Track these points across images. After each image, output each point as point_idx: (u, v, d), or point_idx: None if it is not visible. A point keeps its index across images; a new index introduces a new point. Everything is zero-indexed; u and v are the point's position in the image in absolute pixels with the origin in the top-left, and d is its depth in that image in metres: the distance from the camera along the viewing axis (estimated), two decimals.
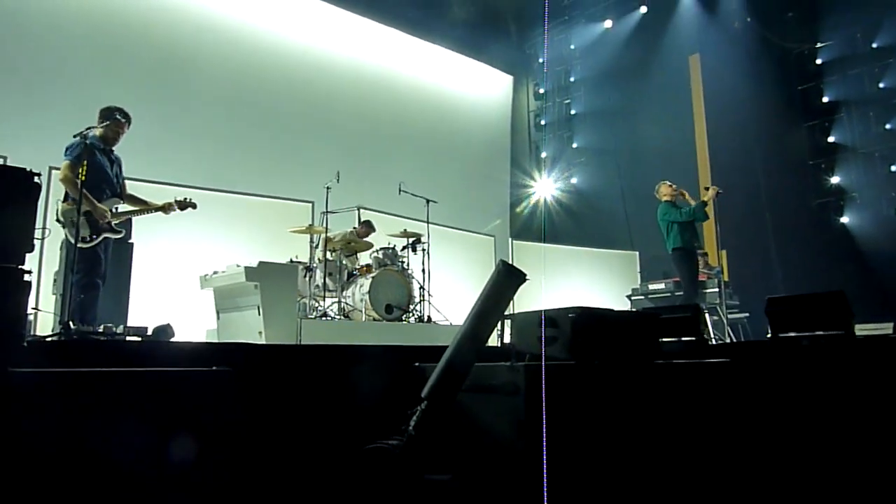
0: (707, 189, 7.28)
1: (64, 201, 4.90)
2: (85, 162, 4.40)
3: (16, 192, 1.99)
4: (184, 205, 5.56)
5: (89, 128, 4.62)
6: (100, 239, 4.96)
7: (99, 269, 4.93)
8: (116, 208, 5.24)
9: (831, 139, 11.31)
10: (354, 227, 7.90)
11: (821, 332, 3.56)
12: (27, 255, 2.02)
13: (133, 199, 5.40)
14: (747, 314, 8.95)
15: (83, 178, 4.37)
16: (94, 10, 8.49)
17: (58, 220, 4.85)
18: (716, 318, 7.95)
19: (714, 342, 6.46)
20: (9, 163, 6.47)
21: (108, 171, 5.17)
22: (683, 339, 4.08)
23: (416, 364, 3.25)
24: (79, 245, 4.68)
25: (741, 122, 11.41)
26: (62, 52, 8.14)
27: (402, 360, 3.29)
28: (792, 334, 3.71)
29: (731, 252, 11.16)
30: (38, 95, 7.77)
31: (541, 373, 2.89)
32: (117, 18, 8.66)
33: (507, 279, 2.58)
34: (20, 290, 1.96)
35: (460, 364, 2.63)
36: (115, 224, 5.12)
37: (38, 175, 2.03)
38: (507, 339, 3.45)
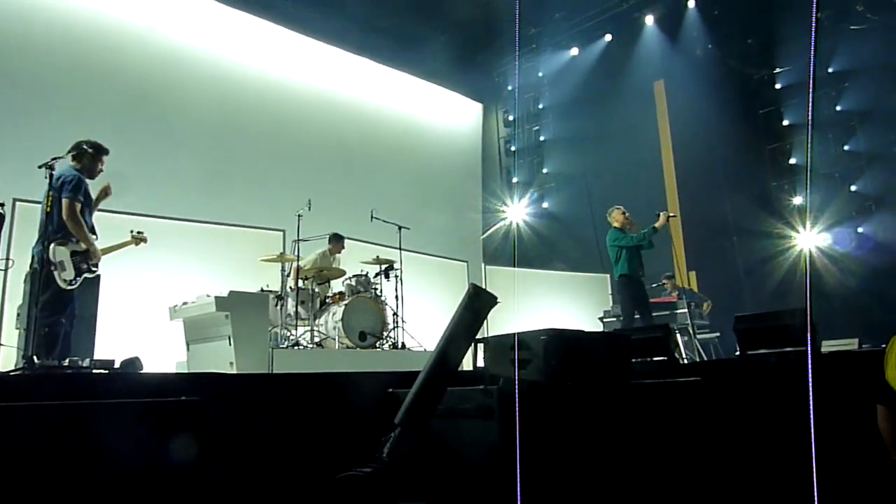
0: (658, 215, 7.31)
1: (59, 242, 4.74)
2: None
3: None
4: (139, 240, 5.59)
5: (54, 158, 4.54)
6: (80, 280, 4.86)
7: (72, 308, 4.81)
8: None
9: (793, 161, 11.64)
10: (328, 247, 7.86)
11: (788, 349, 3.64)
12: None
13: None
14: (717, 334, 9.08)
15: (47, 209, 4.29)
16: (62, 42, 8.42)
17: (44, 260, 4.65)
18: (686, 338, 8.04)
19: (685, 361, 6.54)
20: None
21: (90, 210, 5.09)
22: (654, 359, 4.13)
23: (390, 390, 3.25)
24: (64, 287, 4.63)
25: (706, 145, 11.70)
26: (31, 83, 8.05)
27: (376, 387, 3.28)
28: (760, 351, 3.78)
29: (699, 273, 11.36)
30: (4, 127, 7.66)
31: (514, 396, 2.90)
32: (88, 51, 8.58)
33: (479, 302, 2.60)
34: None
35: (432, 389, 2.63)
36: (93, 263, 5.01)
37: (2, 205, 2.00)
38: (480, 363, 3.46)
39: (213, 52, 9.94)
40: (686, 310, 8.09)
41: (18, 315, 6.01)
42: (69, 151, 4.96)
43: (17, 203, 6.70)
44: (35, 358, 3.99)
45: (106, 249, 5.22)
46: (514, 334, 3.28)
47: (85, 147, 5.04)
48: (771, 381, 3.48)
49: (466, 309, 2.63)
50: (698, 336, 8.34)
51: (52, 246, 4.68)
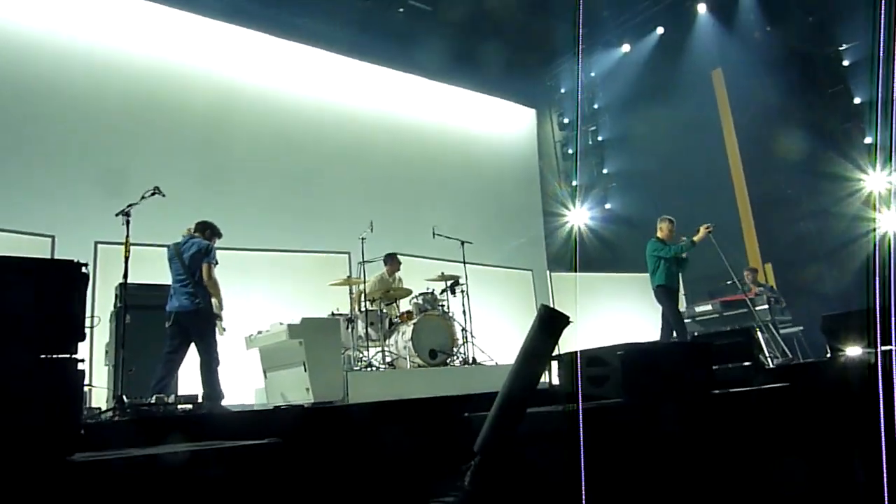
0: (699, 229, 7.28)
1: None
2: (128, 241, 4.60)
3: (65, 285, 2.06)
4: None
5: (130, 205, 4.78)
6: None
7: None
8: None
9: (868, 140, 11.05)
10: (385, 269, 7.92)
11: (888, 347, 3.43)
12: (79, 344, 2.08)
13: None
14: (801, 327, 8.69)
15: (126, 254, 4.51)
16: (132, 88, 8.87)
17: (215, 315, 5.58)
18: (768, 335, 7.71)
19: (770, 363, 6.27)
20: (57, 241, 6.85)
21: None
22: (739, 364, 3.97)
23: (466, 415, 3.22)
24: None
25: (772, 131, 11.23)
26: (104, 132, 8.50)
27: (451, 412, 3.25)
28: (852, 351, 3.58)
29: (776, 265, 10.90)
30: (83, 173, 8.09)
31: (592, 416, 2.83)
32: (157, 97, 9.04)
33: (550, 324, 2.55)
34: (75, 380, 2.00)
35: (510, 415, 2.59)
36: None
37: (85, 265, 2.09)
38: (555, 381, 3.40)
39: (270, 85, 10.25)
40: (766, 305, 7.77)
41: (107, 352, 6.31)
42: (196, 230, 5.85)
43: (99, 246, 7.05)
44: (124, 398, 4.15)
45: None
46: (589, 350, 3.21)
47: (208, 227, 5.91)
48: (867, 383, 3.28)
49: (539, 332, 2.58)
50: (781, 331, 8.00)
51: (213, 300, 5.56)
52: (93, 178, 8.05)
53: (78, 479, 1.91)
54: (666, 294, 7.29)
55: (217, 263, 5.65)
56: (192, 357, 5.80)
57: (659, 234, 7.47)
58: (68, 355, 2.01)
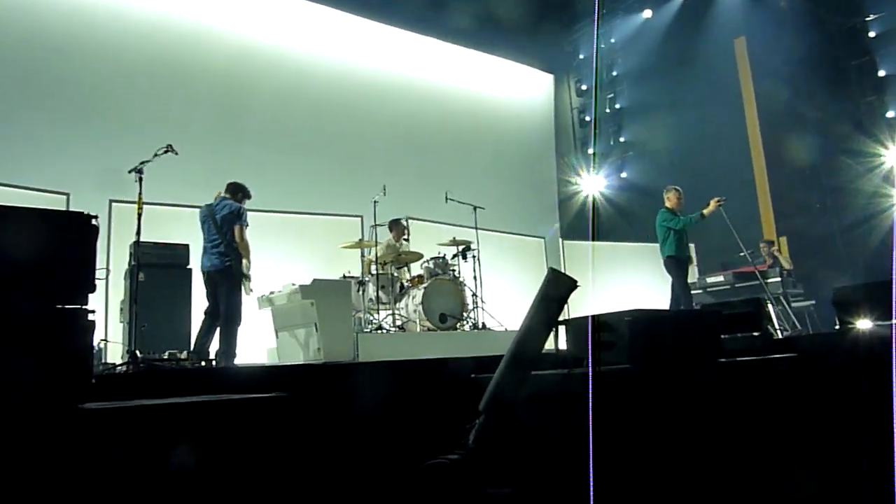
0: (709, 202, 7.26)
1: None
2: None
3: (76, 237, 2.08)
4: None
5: (143, 162, 4.80)
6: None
7: None
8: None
9: (890, 114, 10.83)
10: (391, 235, 7.91)
11: (893, 322, 3.40)
12: (90, 295, 2.10)
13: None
14: (812, 302, 8.63)
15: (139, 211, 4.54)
16: (149, 49, 8.82)
17: (243, 275, 5.71)
18: (780, 307, 7.68)
19: (780, 335, 6.25)
20: (72, 199, 6.90)
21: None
22: (747, 334, 3.95)
23: (472, 375, 3.24)
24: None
25: (793, 103, 11.02)
26: (121, 89, 8.49)
27: (459, 373, 3.28)
28: (861, 324, 3.55)
29: (791, 238, 10.80)
30: (99, 132, 8.10)
31: (599, 380, 2.84)
32: (173, 56, 8.98)
33: (557, 287, 2.55)
34: (85, 330, 2.03)
35: (515, 375, 2.60)
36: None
37: (96, 217, 2.11)
38: (562, 346, 3.41)
39: (283, 44, 10.15)
40: (779, 278, 7.72)
41: (122, 310, 6.40)
42: (228, 191, 5.99)
43: (113, 205, 7.10)
44: (137, 353, 4.22)
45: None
46: (597, 316, 3.21)
47: (239, 189, 6.03)
48: (875, 357, 3.26)
49: (546, 294, 2.58)
50: (793, 305, 7.96)
51: (243, 261, 5.71)
52: (109, 136, 8.07)
53: (88, 427, 1.95)
54: (675, 265, 7.28)
55: (248, 225, 5.81)
56: (201, 315, 5.89)
57: (667, 204, 7.45)
58: (79, 306, 2.04)
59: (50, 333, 2.00)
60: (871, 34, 11.00)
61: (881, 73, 10.88)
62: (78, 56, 8.28)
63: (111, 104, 8.38)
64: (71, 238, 2.06)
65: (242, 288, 5.67)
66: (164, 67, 8.90)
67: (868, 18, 10.99)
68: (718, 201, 7.14)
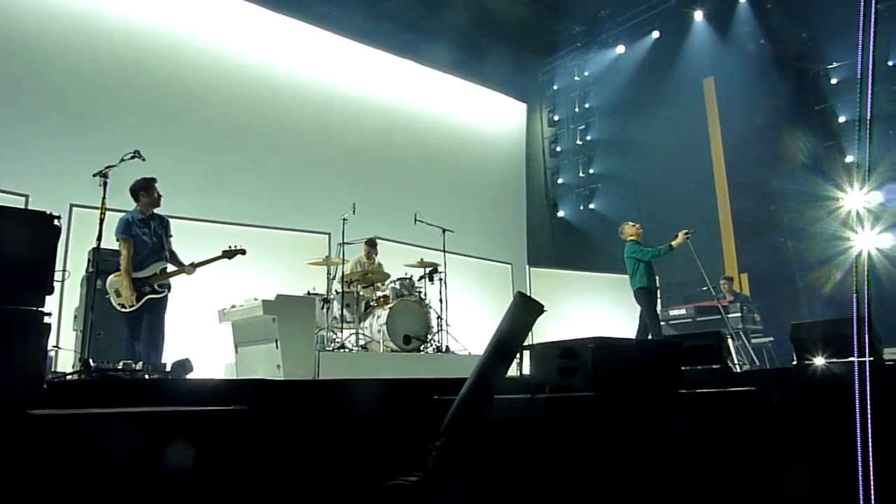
0: (677, 234, 7.40)
1: (115, 273, 5.36)
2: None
3: (36, 236, 2.03)
4: (232, 253, 5.83)
5: (108, 167, 4.73)
6: (142, 302, 5.31)
7: (137, 327, 5.30)
8: (163, 270, 5.52)
9: (849, 159, 11.21)
10: (364, 251, 7.90)
11: (849, 359, 3.49)
12: (47, 297, 2.05)
13: (175, 259, 5.69)
14: (771, 339, 8.81)
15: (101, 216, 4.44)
16: (114, 51, 8.70)
17: (105, 291, 5.30)
18: (739, 342, 7.83)
19: (738, 369, 6.36)
20: (31, 201, 6.73)
21: (148, 240, 5.53)
22: (706, 367, 4.02)
23: (435, 397, 3.23)
24: (122, 311, 5.24)
25: (758, 143, 11.35)
26: (84, 92, 8.35)
27: (421, 394, 3.26)
28: (818, 361, 3.64)
29: (751, 275, 11.04)
30: (60, 134, 7.94)
31: (561, 405, 2.86)
32: (136, 60, 8.87)
33: (525, 311, 2.56)
34: (40, 333, 1.97)
35: (478, 398, 2.60)
36: (158, 285, 5.44)
37: (58, 218, 2.06)
38: (525, 370, 3.42)
39: (255, 56, 10.12)
40: (739, 314, 7.88)
41: (76, 317, 6.24)
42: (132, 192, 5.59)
43: (74, 209, 6.95)
44: (90, 361, 4.11)
45: (167, 274, 5.58)
46: (560, 342, 3.24)
47: (143, 184, 5.58)
48: (830, 393, 3.35)
49: (513, 317, 2.59)
50: (752, 341, 8.12)
51: (109, 278, 5.33)
52: (71, 138, 7.92)
53: (37, 433, 1.89)
54: (645, 296, 7.40)
55: (127, 238, 5.40)
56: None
57: (630, 238, 7.63)
58: (34, 307, 1.98)
59: (2, 334, 1.93)
60: (833, 81, 11.42)
61: (841, 119, 11.28)
62: (43, 55, 8.13)
63: (76, 105, 8.24)
64: (31, 237, 2.01)
65: (113, 304, 5.29)
66: (132, 71, 8.78)
67: (830, 66, 11.42)
68: (687, 233, 7.29)
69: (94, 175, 4.72)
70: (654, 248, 7.45)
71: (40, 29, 8.15)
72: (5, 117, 7.70)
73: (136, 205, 5.57)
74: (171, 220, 5.92)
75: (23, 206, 6.70)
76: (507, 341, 2.56)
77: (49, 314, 2.01)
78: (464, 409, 2.64)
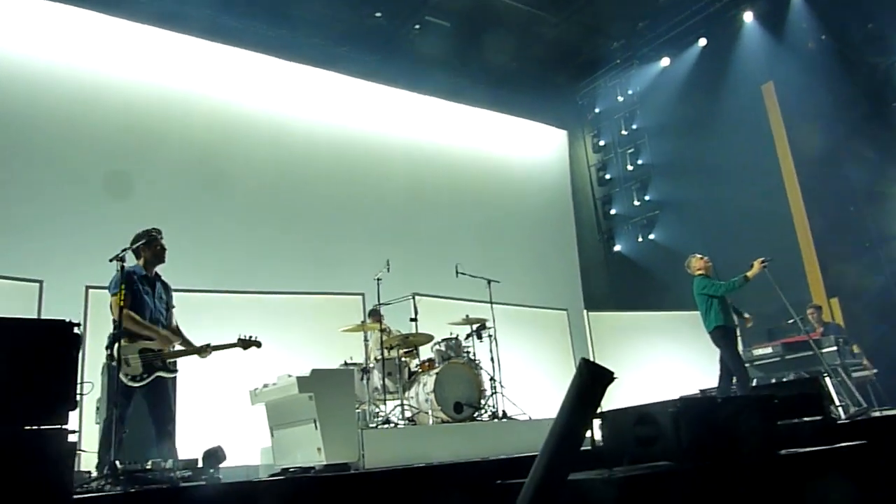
0: (752, 264, 7.22)
1: (127, 339, 4.99)
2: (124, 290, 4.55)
3: (55, 348, 2.07)
4: (247, 344, 5.64)
5: (124, 250, 4.84)
6: (152, 377, 5.08)
7: (156, 409, 5.13)
8: (173, 346, 5.33)
9: None
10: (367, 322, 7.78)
11: None
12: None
13: (178, 333, 5.49)
14: (875, 370, 8.49)
15: (121, 303, 4.52)
16: (127, 122, 9.06)
17: (111, 358, 4.95)
18: (838, 379, 7.55)
19: (842, 414, 6.11)
20: (45, 286, 6.93)
21: (150, 303, 5.31)
22: (806, 419, 3.87)
23: (498, 482, 3.17)
24: (129, 384, 4.91)
25: (832, 150, 11.14)
26: (95, 168, 8.67)
27: (482, 478, 3.20)
28: None
29: (843, 299, 10.70)
30: (73, 214, 8.24)
31: (641, 484, 2.77)
32: (152, 128, 9.23)
33: (592, 382, 2.51)
34: (65, 454, 2.00)
35: (552, 483, 2.53)
36: (171, 362, 5.23)
37: (78, 325, 2.10)
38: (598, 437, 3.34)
39: (277, 111, 10.41)
40: (835, 347, 7.61)
41: (98, 409, 6.32)
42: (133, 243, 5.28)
43: (90, 291, 7.13)
44: (117, 463, 4.14)
45: (176, 353, 5.38)
46: (636, 408, 3.16)
47: (135, 243, 5.32)
48: None
49: (579, 390, 2.54)
50: (853, 375, 7.82)
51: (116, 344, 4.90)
52: (84, 216, 8.20)
53: None
54: (723, 336, 7.21)
55: (125, 292, 4.92)
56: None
57: (698, 272, 7.49)
58: (58, 426, 2.01)
59: (23, 458, 1.96)
60: None
61: None
62: (49, 132, 8.50)
63: (88, 180, 8.55)
64: (49, 349, 2.05)
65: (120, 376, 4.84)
66: (142, 140, 9.11)
67: None
68: (763, 262, 7.12)
69: (111, 260, 4.82)
70: (726, 281, 7.28)
71: (44, 106, 8.54)
72: (15, 200, 8.02)
73: (126, 250, 5.09)
74: (187, 294, 5.93)
75: (37, 293, 6.92)
76: (576, 419, 2.50)
77: (74, 431, 2.03)
78: (537, 495, 2.57)
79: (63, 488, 1.98)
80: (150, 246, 5.36)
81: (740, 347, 9.06)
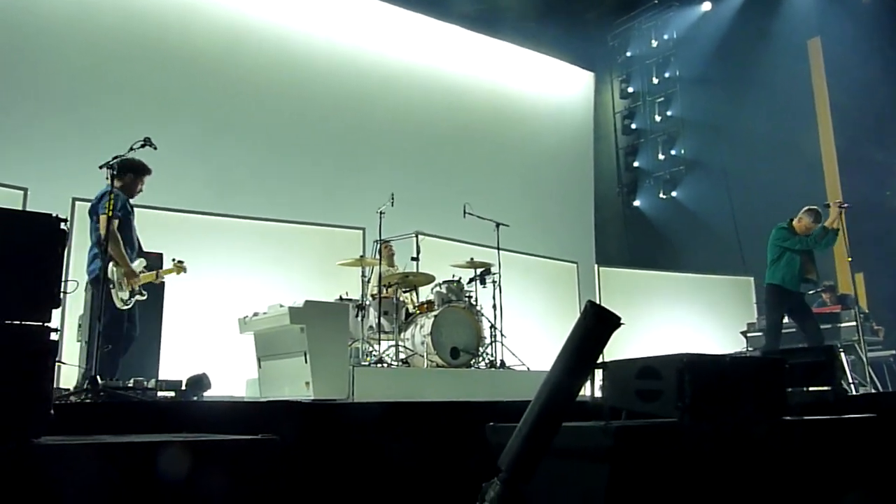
0: (828, 205, 6.83)
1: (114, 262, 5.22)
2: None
3: (40, 243, 2.09)
4: (180, 268, 5.93)
5: (115, 157, 4.85)
6: (133, 302, 5.40)
7: (131, 331, 5.43)
8: (144, 269, 5.61)
9: None
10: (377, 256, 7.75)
11: None
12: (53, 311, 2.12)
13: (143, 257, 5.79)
14: (893, 352, 8.54)
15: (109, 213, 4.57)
16: (127, 32, 8.94)
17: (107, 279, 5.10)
18: (853, 357, 7.61)
19: (854, 390, 6.18)
20: (30, 195, 6.97)
21: (131, 231, 5.59)
22: (815, 388, 3.93)
23: (490, 424, 3.23)
24: (122, 308, 5.22)
25: (876, 115, 10.99)
26: (92, 75, 8.61)
27: (474, 420, 3.27)
28: None
29: (868, 275, 10.70)
30: (61, 122, 8.20)
31: (640, 435, 2.82)
32: (154, 41, 9.10)
33: (597, 325, 2.53)
34: (46, 352, 2.04)
35: (544, 430, 2.58)
36: (142, 286, 5.53)
37: (65, 221, 2.13)
38: (598, 392, 3.39)
39: (290, 32, 10.22)
40: (854, 322, 7.64)
41: (80, 326, 6.41)
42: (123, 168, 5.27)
43: (77, 203, 7.16)
44: (98, 378, 4.23)
45: (146, 277, 5.63)
46: (640, 360, 3.20)
47: (140, 167, 5.56)
48: None
49: (583, 332, 2.57)
50: (869, 355, 7.88)
51: (110, 265, 5.13)
52: (73, 126, 8.17)
53: (44, 464, 1.96)
54: (776, 297, 6.92)
55: (118, 216, 5.12)
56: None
57: (796, 224, 7.00)
58: (40, 323, 2.05)
59: (3, 354, 2.00)
60: None
61: None
62: (38, 38, 8.39)
63: (79, 91, 8.50)
64: (33, 243, 2.08)
65: (114, 299, 5.13)
66: (143, 52, 9.02)
67: None
68: (840, 205, 6.75)
69: (101, 167, 4.84)
70: (808, 235, 6.84)
71: (36, 12, 8.41)
72: (1, 105, 7.98)
73: (117, 183, 5.16)
74: (181, 215, 6.03)
75: (21, 201, 6.95)
76: (577, 362, 2.53)
77: (56, 330, 2.08)
78: (527, 439, 2.63)
79: (43, 386, 2.04)
80: (135, 181, 5.60)
81: (754, 317, 9.12)
